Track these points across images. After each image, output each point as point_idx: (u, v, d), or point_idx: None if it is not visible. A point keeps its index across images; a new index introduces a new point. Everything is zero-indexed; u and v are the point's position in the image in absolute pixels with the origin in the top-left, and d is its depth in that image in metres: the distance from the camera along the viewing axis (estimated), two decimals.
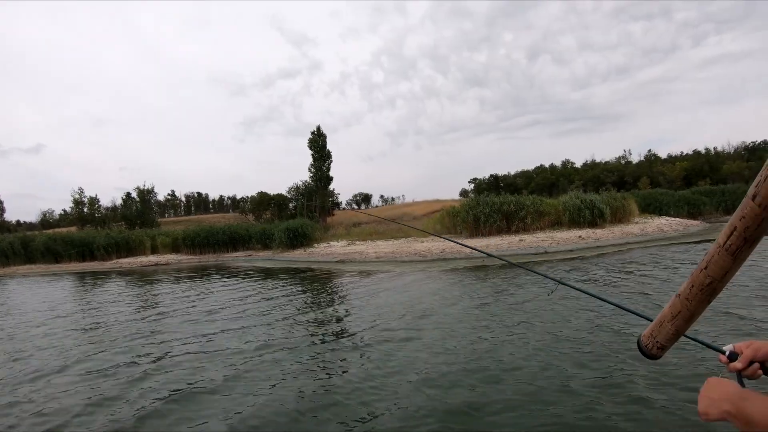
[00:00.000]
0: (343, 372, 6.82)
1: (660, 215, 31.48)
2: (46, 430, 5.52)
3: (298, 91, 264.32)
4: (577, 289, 2.25)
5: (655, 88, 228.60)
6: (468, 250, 22.57)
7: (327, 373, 6.78)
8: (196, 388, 6.50)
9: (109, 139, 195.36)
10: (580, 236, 23.60)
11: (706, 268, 0.93)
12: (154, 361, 8.02)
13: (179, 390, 6.48)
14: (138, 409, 5.90)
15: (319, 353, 7.90)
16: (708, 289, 0.94)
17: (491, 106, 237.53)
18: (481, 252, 2.87)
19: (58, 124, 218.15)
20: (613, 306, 2.02)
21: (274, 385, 6.38)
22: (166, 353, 8.53)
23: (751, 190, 0.83)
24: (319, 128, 61.16)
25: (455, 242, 3.19)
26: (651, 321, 1.21)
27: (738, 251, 0.87)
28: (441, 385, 5.88)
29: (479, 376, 6.10)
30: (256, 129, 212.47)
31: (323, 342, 8.68)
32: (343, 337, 8.91)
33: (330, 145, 61.47)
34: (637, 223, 28.30)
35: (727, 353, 1.16)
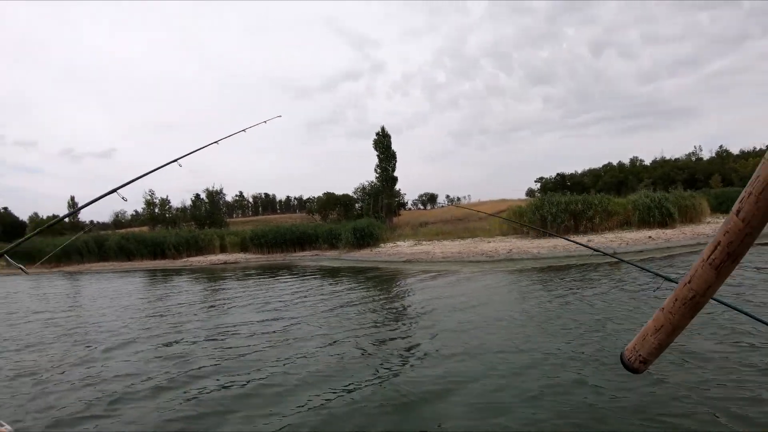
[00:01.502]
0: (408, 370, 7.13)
1: None
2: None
3: (361, 92, 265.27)
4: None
5: (725, 80, 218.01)
6: (536, 251, 22.80)
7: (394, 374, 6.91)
8: (257, 383, 6.90)
9: (176, 143, 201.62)
10: (649, 237, 23.30)
11: (689, 282, 0.94)
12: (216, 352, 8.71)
13: (234, 383, 6.96)
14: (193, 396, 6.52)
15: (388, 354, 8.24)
16: (691, 303, 0.94)
17: (556, 103, 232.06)
18: (597, 251, 3.25)
19: (128, 129, 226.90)
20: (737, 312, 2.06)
21: (347, 386, 6.47)
22: (223, 344, 9.23)
23: (736, 205, 0.85)
24: (383, 129, 61.92)
25: (570, 240, 3.59)
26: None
27: (722, 266, 0.88)
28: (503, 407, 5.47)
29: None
30: (320, 131, 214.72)
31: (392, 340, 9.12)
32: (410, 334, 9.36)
33: (394, 146, 62.02)
34: (708, 223, 27.62)
35: None
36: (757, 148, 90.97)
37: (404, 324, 10.47)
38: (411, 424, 5.29)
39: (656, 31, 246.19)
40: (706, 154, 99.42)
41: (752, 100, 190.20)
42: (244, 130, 4.66)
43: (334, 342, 8.98)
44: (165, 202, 77.73)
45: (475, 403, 5.58)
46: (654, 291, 10.87)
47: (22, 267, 2.51)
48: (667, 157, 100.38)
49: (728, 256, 0.88)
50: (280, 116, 6.14)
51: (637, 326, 6.25)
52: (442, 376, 6.61)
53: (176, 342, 9.93)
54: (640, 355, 1.07)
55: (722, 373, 5.77)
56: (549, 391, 5.70)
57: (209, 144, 3.98)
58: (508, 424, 4.99)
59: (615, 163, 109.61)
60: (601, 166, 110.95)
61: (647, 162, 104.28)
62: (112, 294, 19.93)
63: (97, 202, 2.95)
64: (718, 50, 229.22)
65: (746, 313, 2.33)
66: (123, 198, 2.92)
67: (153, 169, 3.32)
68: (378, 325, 10.48)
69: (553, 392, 5.66)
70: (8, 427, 2.50)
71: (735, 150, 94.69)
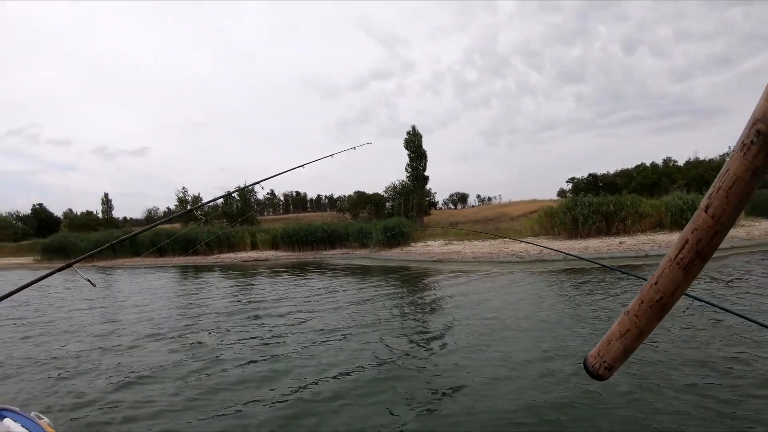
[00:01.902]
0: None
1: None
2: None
3: (392, 91, 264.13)
4: (722, 309, 2.39)
5: (759, 78, 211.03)
6: (566, 252, 22.85)
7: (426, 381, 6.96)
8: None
9: (207, 142, 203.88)
10: None
11: (656, 284, 0.90)
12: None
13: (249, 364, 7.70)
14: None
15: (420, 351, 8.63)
16: (658, 305, 0.91)
17: (588, 102, 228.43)
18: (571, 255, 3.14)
19: (160, 127, 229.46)
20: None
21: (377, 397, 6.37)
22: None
23: (704, 201, 0.82)
24: (414, 128, 61.71)
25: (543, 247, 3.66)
26: None
27: (690, 265, 0.85)
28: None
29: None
30: (350, 130, 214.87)
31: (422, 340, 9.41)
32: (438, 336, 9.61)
33: (425, 145, 61.87)
34: (743, 226, 27.29)
35: None
36: None
37: (427, 322, 10.92)
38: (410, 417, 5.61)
39: (688, 28, 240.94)
40: None
41: None
42: (332, 156, 4.85)
43: (352, 336, 9.49)
44: (197, 199, 78.83)
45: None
46: (684, 312, 10.59)
47: (89, 279, 2.65)
48: (701, 158, 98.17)
49: (697, 255, 0.85)
50: (370, 143, 6.60)
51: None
52: (454, 375, 6.93)
53: (203, 333, 10.65)
54: (604, 361, 1.02)
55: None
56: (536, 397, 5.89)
57: (296, 168, 4.24)
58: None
59: (648, 163, 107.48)
60: (633, 166, 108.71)
61: (681, 163, 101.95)
62: (146, 289, 20.69)
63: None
64: (752, 47, 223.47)
65: (725, 309, 2.49)
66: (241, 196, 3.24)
67: (277, 173, 3.56)
68: (402, 323, 10.91)
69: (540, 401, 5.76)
70: (46, 419, 2.58)
71: None
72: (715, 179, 0.81)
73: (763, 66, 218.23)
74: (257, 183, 3.74)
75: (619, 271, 3.82)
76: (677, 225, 26.48)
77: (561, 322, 9.81)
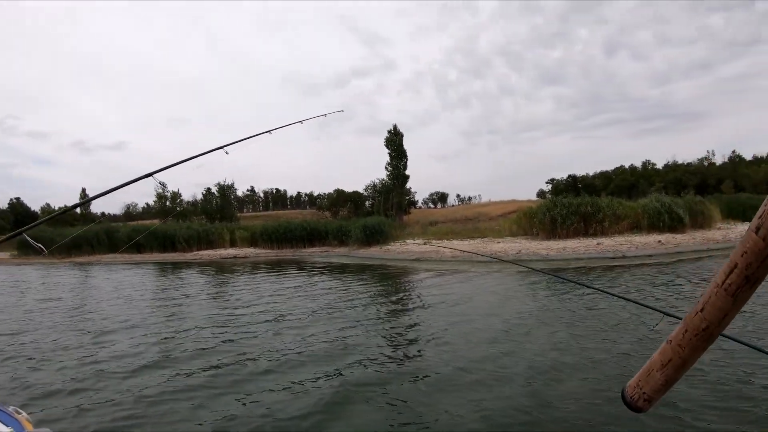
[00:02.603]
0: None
1: (744, 221, 30.21)
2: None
3: (372, 90, 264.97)
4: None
5: (739, 84, 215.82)
6: (545, 252, 22.89)
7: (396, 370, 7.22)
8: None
9: (187, 137, 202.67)
10: (659, 241, 23.35)
11: (702, 311, 0.84)
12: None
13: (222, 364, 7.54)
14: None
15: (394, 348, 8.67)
16: (704, 334, 0.85)
17: (568, 104, 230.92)
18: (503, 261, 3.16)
19: (139, 122, 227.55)
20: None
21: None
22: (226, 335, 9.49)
23: (754, 222, 0.74)
24: (395, 127, 61.98)
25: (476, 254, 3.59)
26: None
27: (738, 291, 0.78)
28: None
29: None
30: (331, 128, 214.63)
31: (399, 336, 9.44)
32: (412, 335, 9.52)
33: (405, 144, 62.18)
34: (719, 228, 27.59)
35: None
36: None
37: (398, 319, 10.99)
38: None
39: (669, 32, 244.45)
40: (718, 159, 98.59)
41: (766, 105, 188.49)
42: (300, 122, 4.78)
43: (326, 332, 9.52)
44: (176, 195, 78.16)
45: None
46: (653, 328, 10.38)
47: (41, 246, 2.56)
48: (679, 162, 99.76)
49: (746, 281, 0.77)
50: (342, 111, 6.59)
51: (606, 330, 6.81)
52: (423, 369, 7.07)
53: (176, 328, 10.60)
54: (644, 392, 0.96)
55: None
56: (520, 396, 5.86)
57: (262, 133, 4.10)
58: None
59: (627, 166, 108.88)
60: (612, 168, 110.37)
61: (659, 166, 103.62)
62: (122, 284, 20.31)
63: (109, 195, 3.09)
64: (732, 53, 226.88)
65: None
66: (160, 183, 3.05)
67: (197, 155, 3.43)
68: (375, 319, 10.91)
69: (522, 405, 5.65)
70: (24, 414, 2.46)
71: (748, 155, 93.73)
72: (766, 198, 0.71)
73: (742, 72, 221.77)
74: (219, 148, 3.53)
75: (551, 274, 3.70)
76: (654, 227, 26.82)
77: (524, 323, 9.80)
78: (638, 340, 7.80)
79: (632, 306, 9.52)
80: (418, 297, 14.03)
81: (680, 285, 13.17)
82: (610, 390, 5.69)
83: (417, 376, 6.72)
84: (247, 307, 12.88)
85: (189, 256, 38.42)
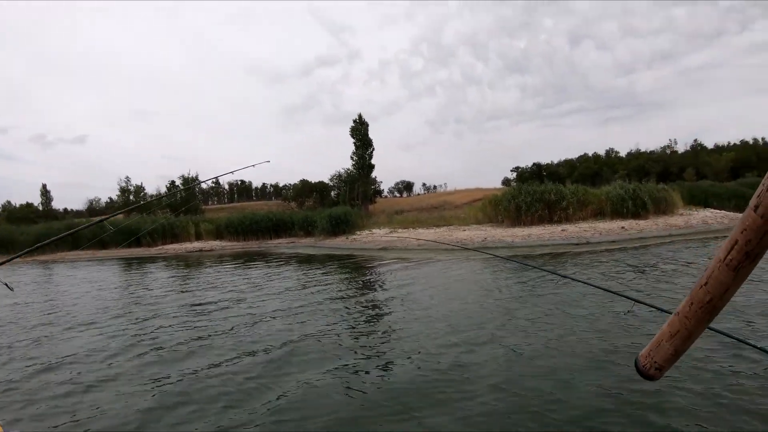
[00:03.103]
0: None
1: (705, 207, 30.78)
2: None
3: (337, 79, 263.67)
4: (654, 307, 2.38)
5: (701, 75, 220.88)
6: (510, 239, 22.84)
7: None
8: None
9: (151, 129, 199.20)
10: (622, 227, 23.55)
11: (705, 285, 0.88)
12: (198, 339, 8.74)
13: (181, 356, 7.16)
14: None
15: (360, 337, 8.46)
16: (708, 306, 0.89)
17: (533, 93, 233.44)
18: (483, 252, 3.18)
19: (101, 115, 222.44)
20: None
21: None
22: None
23: (753, 200, 0.78)
24: (360, 116, 61.29)
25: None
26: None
27: (740, 266, 0.82)
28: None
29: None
30: (296, 118, 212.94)
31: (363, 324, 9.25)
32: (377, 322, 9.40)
33: (371, 133, 61.72)
34: (681, 214, 27.91)
35: None
36: (731, 143, 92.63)
37: (363, 308, 10.81)
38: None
39: (634, 24, 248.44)
40: (681, 148, 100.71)
41: (727, 96, 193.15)
42: (232, 173, 4.71)
43: (290, 325, 9.30)
44: (140, 189, 76.58)
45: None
46: (626, 313, 10.34)
47: (7, 284, 2.47)
48: (642, 150, 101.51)
49: (746, 256, 0.80)
50: (268, 161, 7.02)
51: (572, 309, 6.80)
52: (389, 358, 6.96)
53: (136, 324, 10.26)
54: (655, 361, 1.02)
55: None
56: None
57: (207, 180, 3.69)
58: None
59: (591, 154, 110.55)
60: (576, 156, 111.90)
61: (622, 154, 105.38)
62: (86, 281, 19.73)
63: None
64: (695, 45, 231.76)
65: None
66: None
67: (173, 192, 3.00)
68: (338, 309, 10.74)
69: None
70: None
71: (709, 144, 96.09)
72: (764, 177, 0.75)
73: (704, 63, 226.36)
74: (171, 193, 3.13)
75: (516, 261, 3.57)
76: (618, 213, 27.10)
77: (483, 307, 9.85)
78: (595, 317, 7.85)
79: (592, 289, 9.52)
80: (382, 286, 13.92)
81: (648, 270, 13.14)
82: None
83: (379, 366, 6.65)
84: (209, 301, 12.53)
85: (154, 250, 37.90)
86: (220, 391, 5.94)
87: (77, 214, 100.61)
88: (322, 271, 17.92)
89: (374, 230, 34.00)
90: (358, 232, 33.77)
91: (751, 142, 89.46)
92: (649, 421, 4.50)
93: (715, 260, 0.85)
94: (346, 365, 6.70)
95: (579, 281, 3.73)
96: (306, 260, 23.31)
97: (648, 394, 4.96)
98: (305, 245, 33.72)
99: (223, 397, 5.74)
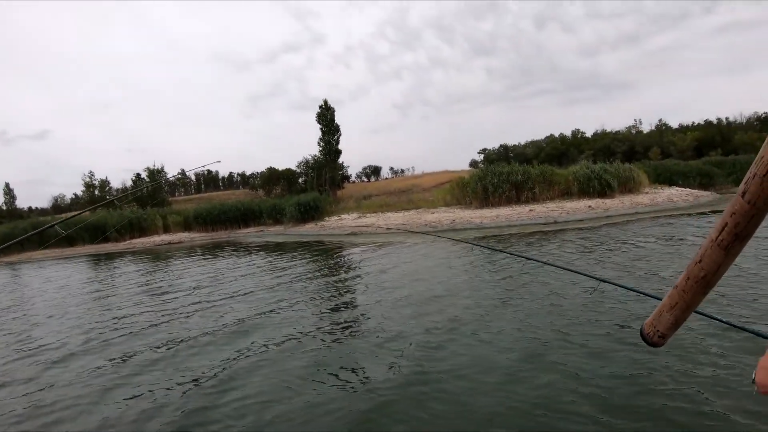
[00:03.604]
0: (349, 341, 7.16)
1: (671, 186, 31.33)
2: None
3: (302, 65, 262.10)
4: (620, 286, 2.36)
5: (666, 56, 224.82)
6: (478, 220, 22.74)
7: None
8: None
9: (114, 122, 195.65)
10: (589, 206, 23.69)
11: (700, 261, 0.96)
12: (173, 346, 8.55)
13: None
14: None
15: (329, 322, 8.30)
16: (702, 281, 0.97)
17: (499, 76, 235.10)
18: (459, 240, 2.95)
19: (62, 109, 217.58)
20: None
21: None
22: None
23: (741, 186, 0.85)
24: (326, 102, 60.53)
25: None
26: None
27: (729, 246, 0.90)
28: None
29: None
30: (262, 105, 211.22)
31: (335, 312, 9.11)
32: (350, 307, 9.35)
33: (338, 119, 60.93)
34: (647, 193, 28.20)
35: None
36: (696, 123, 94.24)
37: (331, 293, 10.62)
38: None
39: (598, 6, 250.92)
40: (645, 128, 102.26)
41: (691, 77, 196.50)
42: (184, 174, 4.25)
43: (263, 313, 9.04)
44: (105, 183, 75.11)
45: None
46: (591, 294, 10.21)
47: None
48: (608, 130, 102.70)
49: (735, 237, 0.89)
50: (219, 161, 7.71)
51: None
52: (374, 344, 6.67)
53: (102, 319, 9.97)
54: (658, 330, 1.12)
55: None
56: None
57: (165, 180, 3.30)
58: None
59: (557, 135, 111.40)
60: (543, 137, 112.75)
61: (588, 134, 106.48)
62: (51, 280, 19.12)
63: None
64: (660, 26, 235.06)
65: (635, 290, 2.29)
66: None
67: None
68: (307, 294, 10.59)
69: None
70: None
71: (674, 124, 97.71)
72: (751, 165, 0.84)
73: (668, 44, 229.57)
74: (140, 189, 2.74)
75: (483, 246, 3.39)
76: (585, 193, 27.39)
77: (447, 289, 9.66)
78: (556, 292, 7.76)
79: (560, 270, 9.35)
80: (351, 270, 13.91)
81: (613, 249, 13.11)
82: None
83: (349, 351, 6.51)
84: (178, 292, 12.38)
85: (122, 245, 37.00)
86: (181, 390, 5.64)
87: (42, 212, 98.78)
88: (291, 259, 17.67)
89: (343, 216, 33.91)
90: (327, 218, 33.74)
91: (714, 121, 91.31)
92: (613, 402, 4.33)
93: (708, 240, 0.94)
94: (309, 350, 6.59)
95: (540, 262, 3.67)
96: (275, 248, 23.08)
97: (614, 377, 4.70)
98: (274, 233, 33.58)
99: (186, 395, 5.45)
